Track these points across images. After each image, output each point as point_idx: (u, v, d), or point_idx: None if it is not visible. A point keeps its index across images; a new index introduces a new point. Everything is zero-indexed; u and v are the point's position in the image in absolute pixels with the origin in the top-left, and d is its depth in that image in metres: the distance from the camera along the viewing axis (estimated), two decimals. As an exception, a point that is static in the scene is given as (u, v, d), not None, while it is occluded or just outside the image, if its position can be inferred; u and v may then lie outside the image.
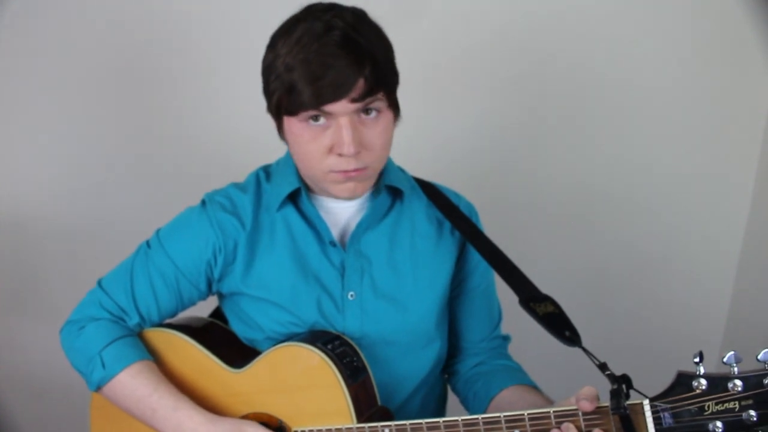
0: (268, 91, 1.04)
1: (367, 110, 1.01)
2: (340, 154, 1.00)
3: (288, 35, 1.00)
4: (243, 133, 1.76)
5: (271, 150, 1.22)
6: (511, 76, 1.87)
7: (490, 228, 1.22)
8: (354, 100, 0.97)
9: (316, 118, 1.00)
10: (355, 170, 1.02)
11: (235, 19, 1.80)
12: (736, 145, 1.93)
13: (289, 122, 1.02)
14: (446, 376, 1.26)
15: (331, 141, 1.00)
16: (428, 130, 1.79)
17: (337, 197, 1.08)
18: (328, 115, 0.99)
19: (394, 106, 1.06)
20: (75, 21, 1.79)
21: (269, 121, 1.10)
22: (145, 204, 1.83)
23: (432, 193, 1.19)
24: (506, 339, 1.25)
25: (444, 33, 1.82)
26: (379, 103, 1.01)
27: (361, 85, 0.97)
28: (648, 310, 2.01)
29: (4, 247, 1.87)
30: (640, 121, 1.91)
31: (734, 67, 1.86)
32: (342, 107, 0.98)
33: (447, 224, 1.18)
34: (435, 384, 1.22)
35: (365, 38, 0.99)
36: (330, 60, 0.95)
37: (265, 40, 1.07)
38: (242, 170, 1.24)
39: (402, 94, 1.09)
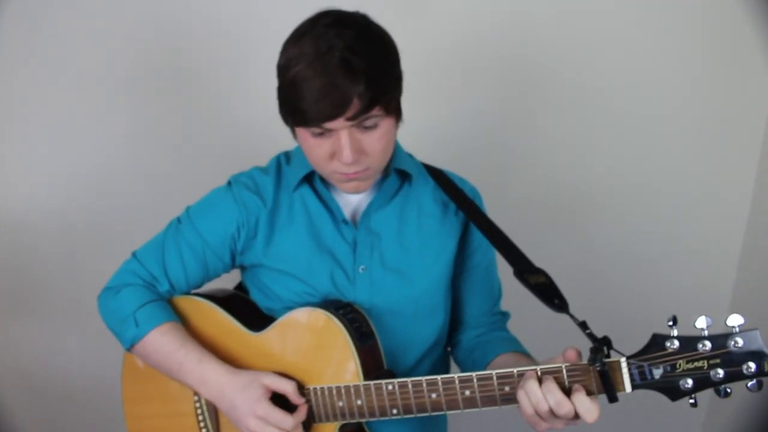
0: (280, 97, 1.12)
1: (365, 126, 1.09)
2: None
3: (297, 44, 1.07)
4: (245, 136, 1.81)
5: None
6: (510, 74, 1.89)
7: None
8: (349, 119, 1.06)
9: (318, 133, 1.09)
10: (356, 173, 1.12)
11: (238, 18, 1.84)
12: (736, 145, 1.94)
13: (297, 129, 1.13)
14: (449, 348, 1.36)
15: (332, 149, 1.10)
16: (427, 128, 1.77)
17: (343, 191, 1.19)
18: (327, 130, 1.08)
19: (395, 112, 1.14)
20: (74, 20, 1.81)
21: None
22: (145, 204, 1.86)
23: (438, 176, 1.29)
24: (505, 315, 1.35)
25: (444, 32, 1.85)
26: (376, 117, 1.09)
27: (356, 104, 1.04)
28: (647, 310, 1.96)
29: (4, 247, 1.88)
30: (640, 120, 1.93)
31: (734, 67, 1.87)
32: (339, 124, 1.06)
33: (452, 205, 1.28)
34: (439, 357, 1.32)
35: (362, 58, 1.04)
36: (328, 81, 1.02)
37: (272, 39, 1.14)
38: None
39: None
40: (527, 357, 1.21)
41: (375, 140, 1.11)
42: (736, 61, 1.87)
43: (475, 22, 1.87)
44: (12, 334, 1.92)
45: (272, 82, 1.13)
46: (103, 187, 1.90)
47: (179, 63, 1.87)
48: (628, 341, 1.03)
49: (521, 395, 0.99)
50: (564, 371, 0.99)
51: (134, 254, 1.29)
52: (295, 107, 1.07)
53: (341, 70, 1.03)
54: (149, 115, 1.90)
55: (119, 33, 1.84)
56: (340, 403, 1.13)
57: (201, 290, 1.32)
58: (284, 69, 1.08)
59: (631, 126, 1.94)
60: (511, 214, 1.88)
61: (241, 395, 1.12)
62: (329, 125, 1.06)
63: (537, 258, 1.17)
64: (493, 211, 1.31)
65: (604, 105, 1.93)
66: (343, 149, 1.08)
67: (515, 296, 1.30)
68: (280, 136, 1.22)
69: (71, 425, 1.97)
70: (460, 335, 1.32)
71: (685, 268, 2.03)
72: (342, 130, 1.07)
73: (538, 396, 0.96)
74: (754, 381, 0.92)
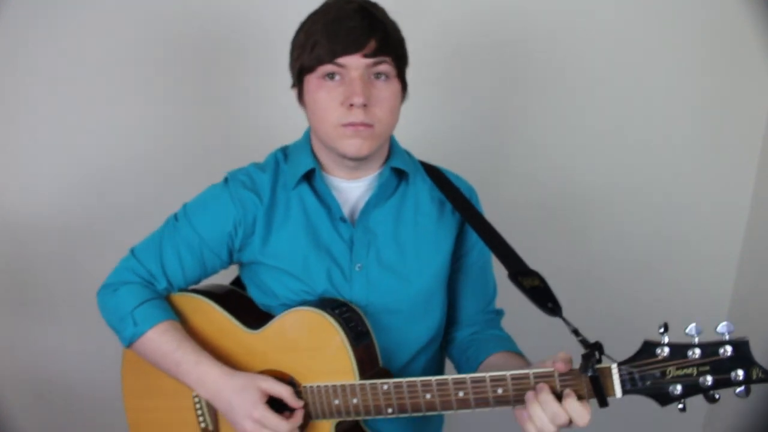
0: (293, 61, 1.20)
1: (377, 74, 1.15)
2: (351, 105, 1.13)
3: (312, 14, 1.18)
4: (246, 137, 1.80)
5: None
6: (508, 74, 1.89)
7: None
8: (366, 56, 1.11)
9: (332, 75, 1.14)
10: (363, 124, 1.14)
11: (252, 15, 1.83)
12: (736, 145, 1.93)
13: (308, 81, 1.16)
14: (444, 343, 1.37)
15: (343, 95, 1.13)
16: (422, 127, 1.79)
17: (344, 155, 1.17)
18: (342, 70, 1.12)
19: (402, 81, 1.20)
20: (73, 19, 1.80)
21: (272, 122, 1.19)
22: (146, 204, 1.81)
23: (435, 175, 1.30)
24: (500, 313, 1.36)
25: (440, 28, 1.84)
26: (388, 67, 1.15)
27: (372, 44, 1.12)
28: (647, 310, 1.99)
29: (4, 247, 1.88)
30: (640, 121, 1.92)
31: (734, 68, 1.86)
32: (354, 61, 1.11)
33: (448, 204, 1.28)
34: (434, 353, 1.33)
35: (380, 12, 1.16)
36: (346, 21, 1.12)
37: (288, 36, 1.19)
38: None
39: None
40: (519, 356, 1.22)
41: (384, 96, 1.15)
42: (736, 61, 1.86)
43: (471, 20, 1.87)
44: (12, 334, 1.92)
45: (282, 81, 1.16)
46: (103, 186, 1.89)
47: (180, 61, 1.86)
48: (625, 343, 1.04)
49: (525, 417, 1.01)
50: (556, 376, 1.00)
51: (132, 251, 1.30)
52: (312, 49, 1.13)
53: (359, 14, 1.13)
54: (149, 113, 1.89)
55: (118, 32, 1.83)
56: (336, 402, 1.14)
57: (199, 286, 1.33)
58: (302, 25, 1.18)
59: (629, 127, 1.94)
60: (509, 214, 1.87)
61: (238, 397, 1.13)
62: (344, 60, 1.11)
63: (533, 259, 1.18)
64: (489, 210, 1.32)
65: (603, 105, 1.93)
66: (355, 88, 1.11)
67: (510, 295, 1.30)
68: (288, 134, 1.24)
69: (71, 425, 1.97)
70: (455, 333, 1.33)
71: (684, 269, 2.02)
72: (355, 71, 1.12)
73: (544, 420, 0.98)
74: (743, 387, 0.94)
